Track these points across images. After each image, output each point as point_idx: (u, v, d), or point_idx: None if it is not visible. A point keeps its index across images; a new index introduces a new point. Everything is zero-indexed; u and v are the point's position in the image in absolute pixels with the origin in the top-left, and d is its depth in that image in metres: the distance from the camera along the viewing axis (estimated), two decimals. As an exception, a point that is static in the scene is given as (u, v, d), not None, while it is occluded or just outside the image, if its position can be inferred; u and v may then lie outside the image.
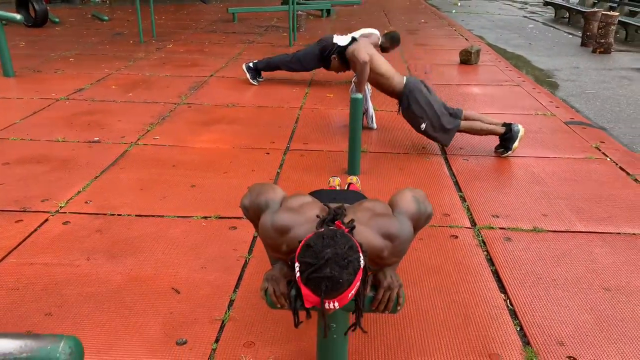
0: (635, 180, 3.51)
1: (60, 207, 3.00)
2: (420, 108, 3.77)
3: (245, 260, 2.54)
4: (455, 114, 3.83)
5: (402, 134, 4.27)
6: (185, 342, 1.99)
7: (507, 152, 3.82)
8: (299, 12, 9.39)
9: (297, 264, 1.39)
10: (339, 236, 1.38)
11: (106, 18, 10.59)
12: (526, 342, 2.02)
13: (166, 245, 2.65)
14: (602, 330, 2.09)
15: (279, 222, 1.59)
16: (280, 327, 2.08)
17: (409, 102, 3.79)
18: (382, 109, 4.86)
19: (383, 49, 5.46)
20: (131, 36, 8.61)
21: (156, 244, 2.65)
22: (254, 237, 2.73)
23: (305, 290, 1.38)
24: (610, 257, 2.61)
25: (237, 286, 2.34)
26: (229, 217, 2.93)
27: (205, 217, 2.93)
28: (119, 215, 2.94)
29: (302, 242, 1.43)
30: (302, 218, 1.59)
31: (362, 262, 1.42)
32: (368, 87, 4.33)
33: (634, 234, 2.84)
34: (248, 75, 5.68)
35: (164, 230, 2.79)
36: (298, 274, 1.39)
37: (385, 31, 5.51)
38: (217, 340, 2.00)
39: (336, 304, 1.39)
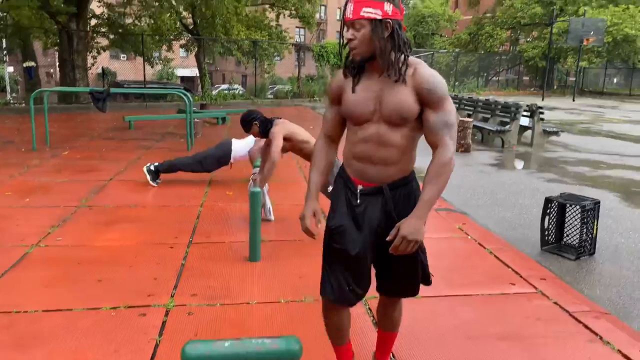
0: (490, 252, 4.22)
1: (-39, 308, 2.99)
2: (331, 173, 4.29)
3: (156, 342, 2.72)
4: None
5: (298, 223, 4.73)
6: (103, 416, 2.12)
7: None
8: (196, 120, 9.95)
9: None
10: None
11: (-7, 127, 10.39)
12: (406, 384, 2.41)
13: (77, 334, 2.76)
14: (465, 369, 2.54)
15: None
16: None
17: None
18: (279, 202, 5.34)
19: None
20: (23, 144, 8.56)
21: (66, 334, 2.75)
22: (163, 322, 2.93)
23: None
24: (470, 314, 3.14)
25: (150, 364, 2.52)
26: (137, 306, 3.10)
27: (114, 308, 3.08)
28: (25, 312, 3.00)
29: None
30: None
31: (388, 10, 1.82)
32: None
33: (489, 294, 3.44)
34: (148, 177, 5.95)
35: (73, 322, 2.90)
36: None
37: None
38: (134, 412, 2.16)
39: (352, 8, 1.82)
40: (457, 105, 13.61)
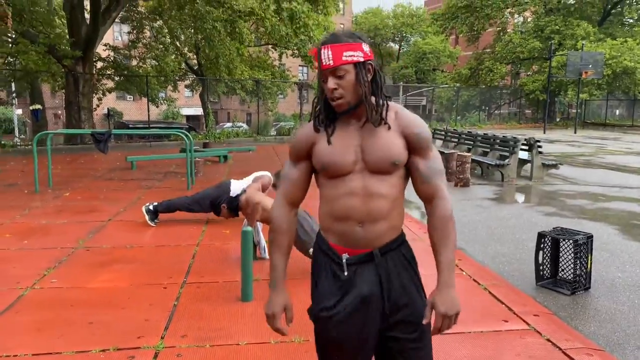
0: (485, 288, 4.20)
1: (-49, 353, 3.01)
2: (306, 234, 4.31)
3: (143, 385, 2.72)
4: None
5: (291, 262, 4.73)
6: None
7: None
8: (197, 159, 10.07)
9: None
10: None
11: (-2, 169, 10.56)
12: None
13: (64, 378, 2.76)
14: (452, 410, 2.51)
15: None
16: None
17: (296, 230, 4.34)
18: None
19: (275, 186, 6.14)
20: (26, 186, 8.68)
21: (54, 379, 2.76)
22: (152, 364, 2.93)
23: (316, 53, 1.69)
24: (462, 351, 3.12)
25: (135, 409, 2.51)
26: (127, 348, 3.11)
27: (104, 350, 3.08)
28: (14, 356, 3.00)
29: None
30: None
31: (367, 50, 1.68)
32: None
33: (481, 331, 3.41)
34: (147, 217, 6.01)
35: (62, 365, 2.90)
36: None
37: (275, 172, 6.24)
38: None
39: (330, 54, 1.65)
40: (457, 140, 13.73)
